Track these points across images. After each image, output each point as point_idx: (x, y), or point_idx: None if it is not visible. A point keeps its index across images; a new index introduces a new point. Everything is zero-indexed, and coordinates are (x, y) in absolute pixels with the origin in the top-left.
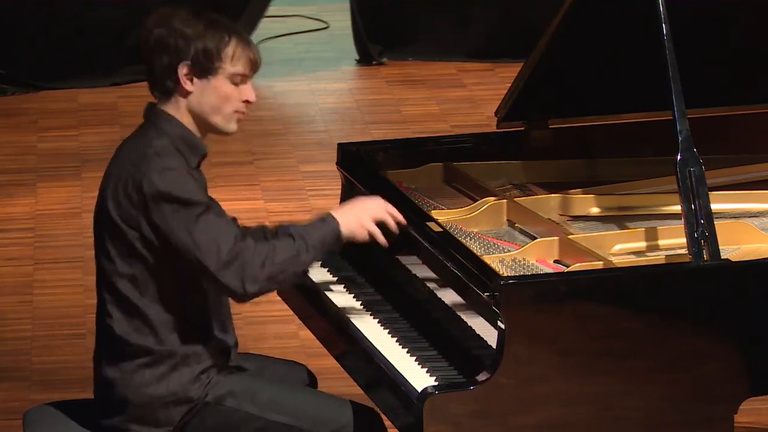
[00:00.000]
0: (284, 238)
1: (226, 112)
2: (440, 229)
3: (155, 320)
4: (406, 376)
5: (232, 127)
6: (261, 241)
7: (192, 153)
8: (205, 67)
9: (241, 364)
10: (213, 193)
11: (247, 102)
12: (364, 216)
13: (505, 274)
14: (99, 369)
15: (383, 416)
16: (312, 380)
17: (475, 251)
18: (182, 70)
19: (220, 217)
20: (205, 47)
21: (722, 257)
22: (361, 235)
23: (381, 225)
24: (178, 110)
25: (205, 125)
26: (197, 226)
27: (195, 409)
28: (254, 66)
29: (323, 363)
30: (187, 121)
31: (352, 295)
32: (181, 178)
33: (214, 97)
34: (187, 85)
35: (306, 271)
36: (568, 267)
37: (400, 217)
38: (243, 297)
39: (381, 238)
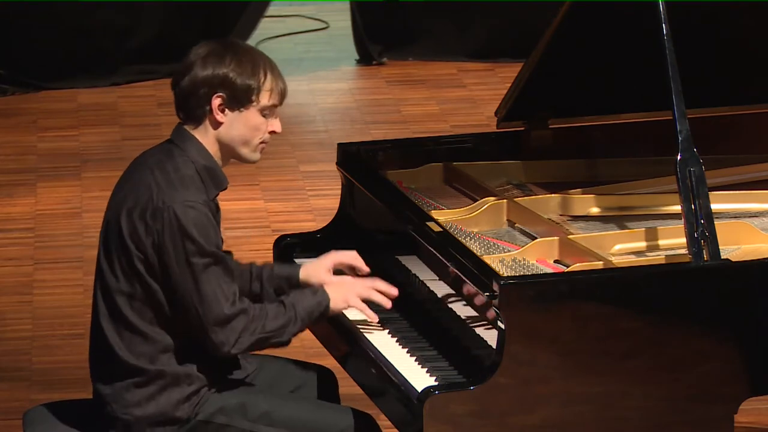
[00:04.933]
0: (277, 306)
1: (254, 143)
2: (440, 229)
3: (149, 340)
4: (406, 376)
5: (257, 156)
6: (255, 306)
7: (214, 186)
8: (239, 101)
9: (258, 367)
10: None
11: (273, 132)
12: (352, 296)
13: (505, 274)
14: (93, 383)
15: (383, 416)
16: (332, 380)
17: (475, 251)
18: (216, 101)
19: (225, 273)
20: (243, 84)
21: (722, 257)
22: (346, 309)
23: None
24: (206, 137)
25: (230, 154)
26: (203, 277)
27: (184, 429)
28: (284, 97)
29: (323, 363)
30: (214, 149)
31: None
32: (203, 220)
33: (245, 128)
34: (219, 116)
35: (286, 343)
36: (568, 267)
37: (392, 292)
38: (223, 355)
39: (370, 314)
